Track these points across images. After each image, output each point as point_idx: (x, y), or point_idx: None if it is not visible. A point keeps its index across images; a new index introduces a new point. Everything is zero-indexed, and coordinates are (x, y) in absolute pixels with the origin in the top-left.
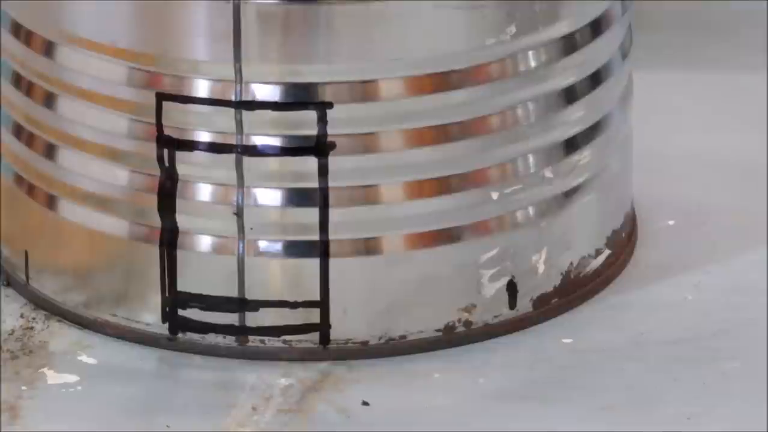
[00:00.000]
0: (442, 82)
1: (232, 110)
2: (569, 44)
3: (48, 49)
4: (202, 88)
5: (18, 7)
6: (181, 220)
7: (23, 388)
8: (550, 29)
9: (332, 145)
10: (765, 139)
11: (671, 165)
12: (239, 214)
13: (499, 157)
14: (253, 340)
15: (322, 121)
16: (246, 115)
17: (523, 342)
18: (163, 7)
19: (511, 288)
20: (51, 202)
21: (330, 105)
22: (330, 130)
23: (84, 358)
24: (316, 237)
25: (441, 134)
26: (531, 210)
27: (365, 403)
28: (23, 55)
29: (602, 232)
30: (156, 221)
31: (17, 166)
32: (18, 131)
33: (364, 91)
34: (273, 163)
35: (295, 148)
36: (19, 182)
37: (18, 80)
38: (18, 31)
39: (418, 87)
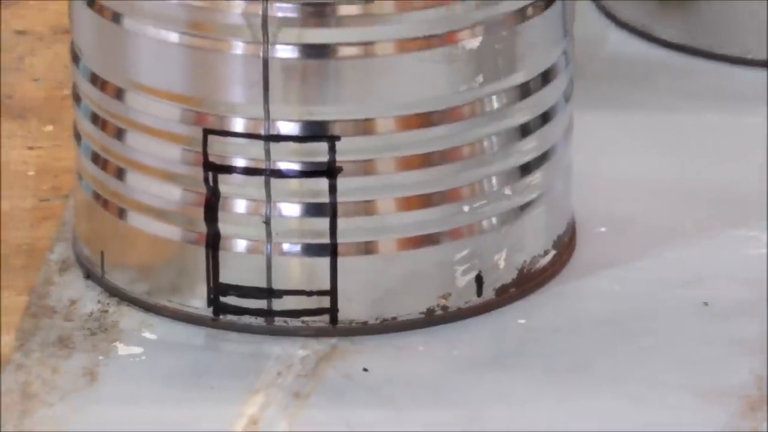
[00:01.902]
0: (425, 119)
1: (262, 142)
2: (524, 90)
3: (119, 93)
4: (238, 124)
5: (95, 62)
6: (222, 227)
7: (100, 357)
8: (510, 78)
9: (339, 169)
10: (676, 161)
11: (602, 185)
12: (267, 222)
13: (470, 179)
14: (278, 321)
15: (332, 150)
16: (273, 146)
17: (487, 322)
18: (208, 62)
19: (479, 280)
20: (121, 213)
21: (338, 138)
22: (338, 158)
23: (147, 334)
24: (327, 240)
25: (425, 160)
26: (494, 220)
27: (365, 370)
28: (99, 99)
29: (549, 237)
30: (202, 228)
31: (95, 185)
32: (95, 158)
33: (365, 126)
34: (294, 183)
35: (311, 171)
36: (96, 198)
37: (95, 118)
38: (95, 80)
39: (407, 124)
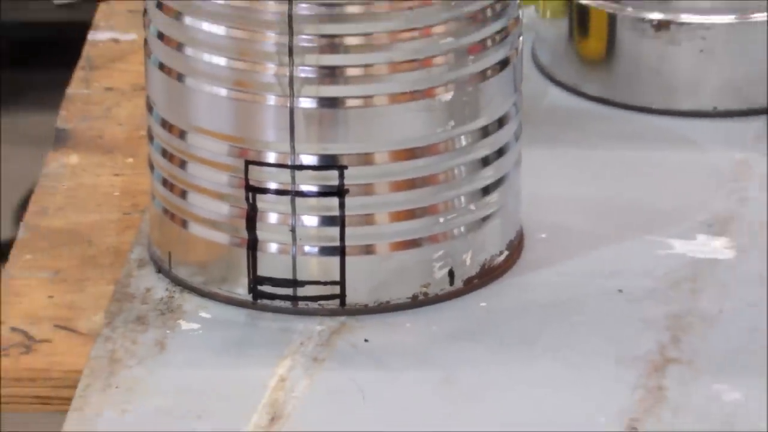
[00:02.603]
0: (411, 153)
1: (288, 170)
2: (485, 132)
3: (182, 134)
4: (271, 157)
5: (164, 110)
6: (259, 234)
7: (167, 332)
8: (474, 123)
9: (347, 191)
10: (599, 185)
11: (543, 202)
12: (293, 230)
13: (444, 198)
14: (301, 304)
15: (341, 177)
16: (297, 173)
17: (457, 305)
18: (248, 110)
19: (451, 274)
20: (184, 224)
21: (346, 167)
22: (346, 182)
23: (203, 314)
24: (337, 244)
25: (411, 184)
26: (462, 228)
27: (366, 341)
28: (167, 138)
29: (503, 241)
30: (244, 235)
31: (164, 203)
32: (164, 182)
33: (366, 159)
34: (312, 201)
35: (325, 192)
36: (165, 212)
37: (164, 153)
38: (165, 124)
39: (398, 156)
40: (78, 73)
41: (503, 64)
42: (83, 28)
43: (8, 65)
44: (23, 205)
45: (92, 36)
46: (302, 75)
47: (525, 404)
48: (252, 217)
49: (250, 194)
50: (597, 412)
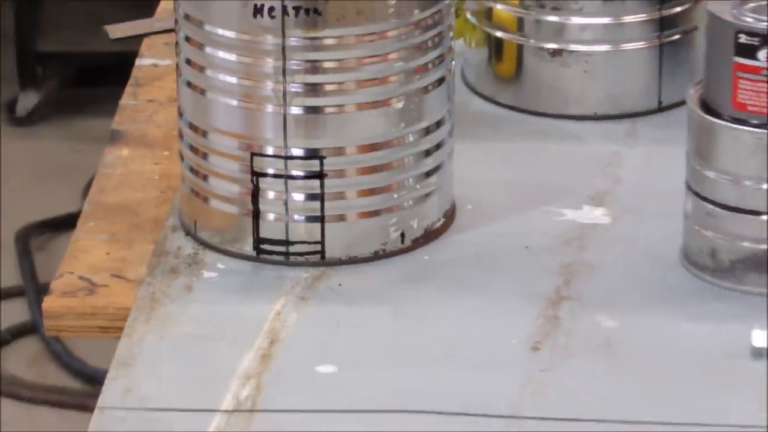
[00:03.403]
0: (373, 147)
1: (283, 160)
2: (427, 131)
3: (204, 134)
4: (270, 150)
5: (191, 115)
6: (261, 207)
7: (193, 278)
8: (419, 125)
9: (326, 175)
10: (513, 169)
11: (470, 182)
12: (286, 204)
13: (397, 180)
14: (292, 258)
15: (321, 164)
16: (289, 162)
17: (407, 258)
18: (253, 116)
19: (402, 235)
20: (205, 200)
21: (325, 157)
22: (325, 169)
23: (219, 265)
24: (318, 214)
25: (373, 170)
26: (411, 202)
27: (339, 284)
28: (193, 137)
29: (441, 211)
30: (250, 207)
31: (191, 184)
32: (191, 170)
33: (340, 151)
34: (300, 183)
35: (310, 176)
36: (191, 191)
37: (191, 147)
38: (191, 126)
39: (364, 149)
40: (128, 89)
41: (440, 81)
42: (132, 56)
43: (77, 84)
44: (88, 187)
45: (138, 62)
46: (292, 90)
47: (456, 330)
48: (255, 195)
49: (254, 178)
50: (510, 335)
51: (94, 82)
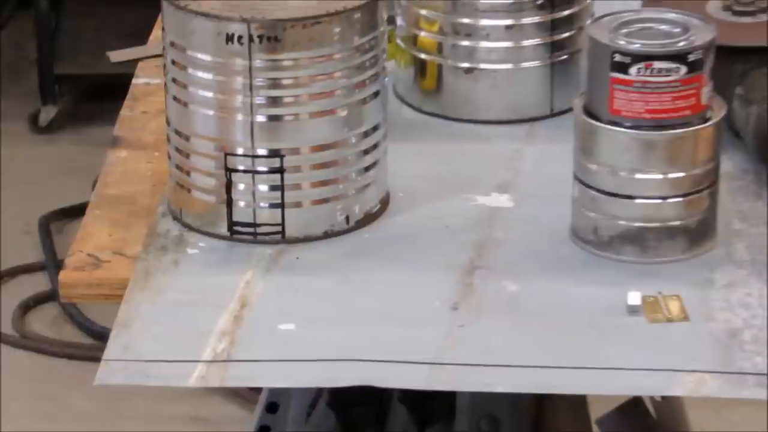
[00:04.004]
0: (324, 147)
1: (251, 158)
2: (366, 134)
3: (187, 138)
4: (240, 150)
5: (176, 123)
6: (234, 196)
7: (179, 254)
8: (360, 128)
9: (285, 171)
10: (439, 164)
11: (402, 175)
12: (253, 194)
13: (343, 174)
14: (259, 237)
15: (281, 162)
16: (255, 160)
17: (351, 236)
18: (227, 122)
19: (347, 218)
20: (189, 191)
21: (284, 156)
22: (285, 165)
23: (201, 244)
24: (279, 201)
25: (324, 165)
26: (353, 191)
27: (297, 258)
28: (177, 141)
29: (377, 198)
30: (224, 197)
31: (177, 178)
32: (177, 167)
33: (296, 151)
34: (264, 177)
35: (272, 171)
36: (177, 184)
37: (177, 149)
38: (177, 131)
39: (316, 149)
40: (126, 103)
41: (376, 94)
42: (130, 76)
43: (87, 100)
44: (95, 182)
45: (134, 81)
46: (258, 102)
47: (390, 294)
48: (229, 187)
49: (228, 173)
50: (433, 298)
51: (100, 97)
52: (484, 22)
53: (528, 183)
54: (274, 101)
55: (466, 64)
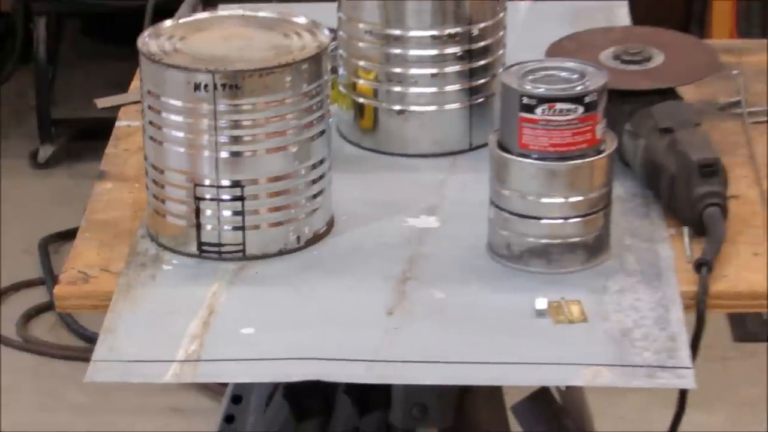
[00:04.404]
0: (277, 179)
1: (216, 188)
2: (314, 166)
3: (161, 171)
4: (207, 182)
5: (152, 158)
6: (202, 221)
7: (156, 271)
8: (309, 162)
9: (245, 198)
10: (372, 192)
11: (342, 201)
12: (218, 219)
13: (294, 201)
14: (223, 255)
15: (242, 191)
16: (220, 190)
17: (303, 254)
18: (196, 158)
19: (298, 238)
20: (164, 216)
21: (244, 186)
22: (245, 194)
23: (174, 261)
24: (241, 225)
25: (277, 194)
26: (303, 215)
27: (256, 272)
28: (154, 174)
29: (324, 221)
30: (195, 222)
31: (154, 206)
32: (154, 196)
33: (254, 182)
34: (228, 204)
35: (234, 198)
36: (155, 211)
37: (154, 181)
38: (153, 166)
39: (270, 180)
40: (111, 142)
41: (322, 132)
42: (114, 119)
43: (79, 140)
44: (84, 210)
45: (118, 123)
46: (222, 140)
47: (336, 302)
48: (198, 213)
49: (197, 201)
50: (372, 305)
51: (90, 138)
52: (413, 71)
53: (451, 207)
54: (236, 139)
55: (398, 107)
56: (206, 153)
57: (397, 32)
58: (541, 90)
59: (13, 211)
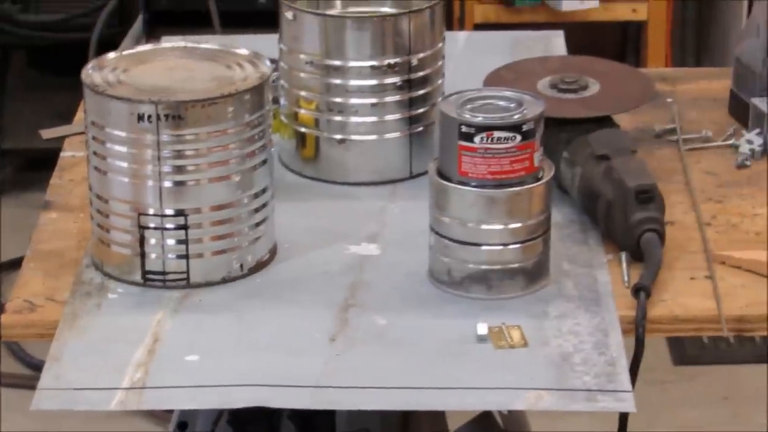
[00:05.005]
0: (220, 207)
1: (160, 218)
2: (257, 195)
3: (106, 201)
4: (151, 211)
5: (97, 188)
6: (146, 250)
7: (101, 299)
8: (251, 191)
9: (189, 227)
10: (314, 218)
11: (285, 228)
12: (163, 248)
13: (237, 229)
14: (168, 284)
15: (186, 220)
16: (164, 219)
17: (245, 282)
18: (140, 188)
19: (241, 266)
20: (108, 245)
21: (188, 215)
22: (188, 222)
23: (119, 290)
24: (184, 253)
25: (220, 223)
26: (246, 243)
27: (200, 300)
28: (98, 203)
29: (267, 248)
30: (139, 251)
31: (99, 235)
32: (99, 225)
33: (197, 211)
34: (172, 233)
35: (178, 227)
36: (99, 240)
37: (98, 210)
38: (98, 196)
39: (213, 209)
40: (56, 173)
41: (264, 161)
42: (60, 150)
43: (26, 170)
44: (29, 239)
45: (62, 154)
46: (165, 170)
47: (278, 330)
48: (142, 241)
49: (141, 230)
50: (315, 331)
51: (36, 168)
52: (354, 100)
53: (392, 234)
54: (179, 169)
55: (339, 136)
56: (150, 183)
57: (337, 63)
58: (479, 119)
59: None
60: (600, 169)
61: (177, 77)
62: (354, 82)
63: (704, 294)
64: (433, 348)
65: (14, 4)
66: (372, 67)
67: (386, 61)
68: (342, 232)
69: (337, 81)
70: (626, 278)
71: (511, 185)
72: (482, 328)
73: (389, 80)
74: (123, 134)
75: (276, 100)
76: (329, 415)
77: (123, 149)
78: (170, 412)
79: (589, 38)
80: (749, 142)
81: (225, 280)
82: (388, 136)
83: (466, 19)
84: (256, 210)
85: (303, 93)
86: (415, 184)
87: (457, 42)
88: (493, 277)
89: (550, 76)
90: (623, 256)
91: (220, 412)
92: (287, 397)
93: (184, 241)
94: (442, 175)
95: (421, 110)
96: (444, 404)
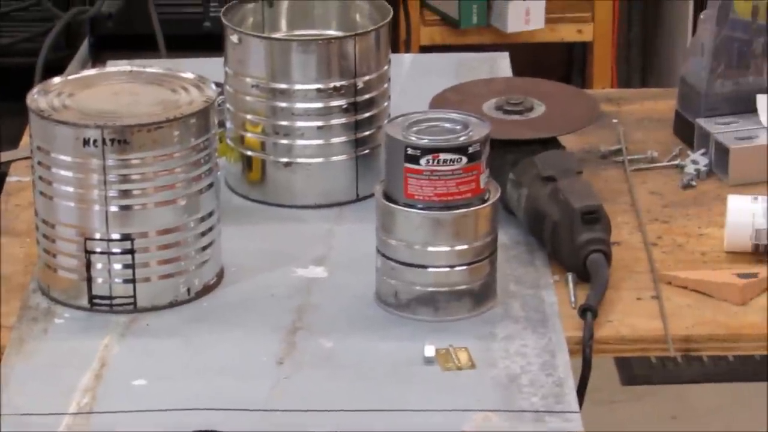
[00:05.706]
0: (167, 231)
1: (106, 242)
2: (203, 219)
3: (53, 226)
4: (97, 235)
5: (43, 214)
6: (93, 274)
7: (48, 324)
8: (198, 215)
9: (135, 251)
10: (273, 246)
11: (233, 252)
12: (109, 272)
13: (184, 253)
14: (115, 308)
15: (132, 244)
16: (110, 243)
17: (192, 305)
18: (87, 212)
19: (189, 290)
20: (55, 270)
21: (134, 239)
22: (135, 247)
23: (66, 315)
24: (131, 278)
25: (167, 247)
26: (193, 267)
27: (147, 324)
28: (44, 228)
29: (214, 272)
30: (86, 276)
31: (45, 260)
32: (45, 250)
33: (144, 235)
34: (119, 257)
35: (124, 252)
36: (45, 265)
37: (44, 236)
38: (44, 221)
39: (160, 233)
40: (2, 198)
41: (210, 185)
42: (5, 175)
43: None
44: None
45: (8, 179)
46: (111, 194)
47: (226, 352)
48: (88, 266)
49: (87, 255)
50: (262, 354)
51: None
52: (300, 123)
53: (339, 257)
54: (125, 193)
55: (285, 159)
56: (96, 207)
57: (283, 86)
58: (425, 141)
59: None
60: (546, 191)
61: (122, 101)
62: (300, 105)
63: (651, 314)
64: (380, 370)
65: None
66: (318, 89)
67: (332, 84)
68: (289, 254)
69: (283, 104)
70: (573, 299)
71: (457, 207)
72: (429, 350)
73: (335, 103)
74: (69, 159)
75: (222, 124)
76: None
77: (69, 174)
78: None
79: (535, 59)
80: (694, 162)
81: (172, 304)
82: (334, 158)
83: (412, 41)
84: (203, 234)
85: (249, 116)
86: (362, 206)
87: (403, 64)
88: (440, 299)
89: (496, 97)
90: (570, 276)
91: None
92: (236, 421)
93: (130, 266)
94: (388, 197)
95: (367, 133)
96: (392, 426)
